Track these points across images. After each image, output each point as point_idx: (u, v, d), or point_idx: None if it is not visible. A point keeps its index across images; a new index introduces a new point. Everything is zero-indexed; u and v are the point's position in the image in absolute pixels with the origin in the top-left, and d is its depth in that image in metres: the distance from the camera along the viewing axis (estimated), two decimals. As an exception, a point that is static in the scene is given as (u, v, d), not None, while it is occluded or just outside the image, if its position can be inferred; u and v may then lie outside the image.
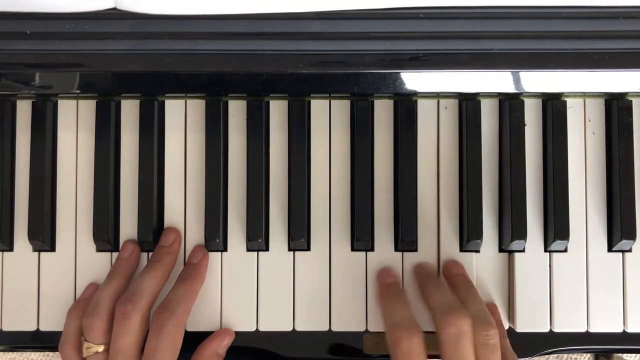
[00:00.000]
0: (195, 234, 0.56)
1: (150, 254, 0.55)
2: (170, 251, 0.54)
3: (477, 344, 0.47)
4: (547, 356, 0.59)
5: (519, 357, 0.52)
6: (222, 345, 0.54)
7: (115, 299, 0.51)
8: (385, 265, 0.55)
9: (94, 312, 0.51)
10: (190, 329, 0.55)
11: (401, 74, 0.51)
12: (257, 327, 0.55)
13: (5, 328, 0.56)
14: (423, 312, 0.52)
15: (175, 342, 0.50)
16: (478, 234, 0.54)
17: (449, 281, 0.54)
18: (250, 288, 0.55)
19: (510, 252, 0.56)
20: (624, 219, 0.54)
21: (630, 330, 0.55)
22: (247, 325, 0.55)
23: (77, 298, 0.55)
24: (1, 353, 0.86)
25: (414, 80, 0.52)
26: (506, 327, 0.55)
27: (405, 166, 0.55)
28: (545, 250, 0.55)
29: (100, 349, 0.50)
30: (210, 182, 0.55)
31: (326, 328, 0.55)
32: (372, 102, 0.56)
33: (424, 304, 0.52)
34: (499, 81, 0.52)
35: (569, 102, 0.56)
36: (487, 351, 0.47)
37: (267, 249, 0.56)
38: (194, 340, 0.54)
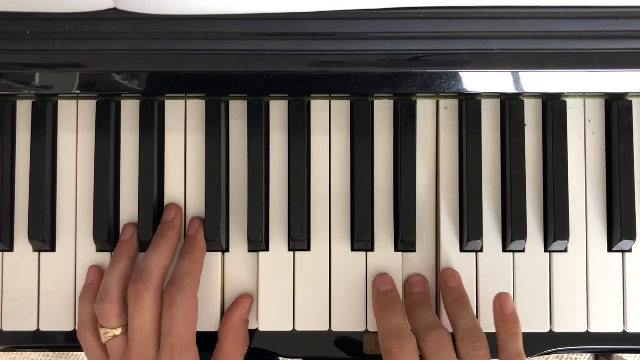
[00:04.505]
0: (195, 234, 0.56)
1: (151, 254, 0.55)
2: (173, 226, 0.54)
3: (467, 354, 0.48)
4: (547, 356, 0.59)
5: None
6: (245, 310, 0.54)
7: (122, 280, 0.52)
8: (383, 272, 0.55)
9: (104, 297, 0.51)
10: (190, 329, 0.55)
11: (402, 74, 0.51)
12: (257, 327, 0.55)
13: (5, 328, 0.56)
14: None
15: (190, 314, 0.51)
16: (478, 234, 0.54)
17: (443, 291, 0.54)
18: (250, 288, 0.55)
19: (511, 252, 0.56)
20: (624, 219, 0.54)
21: (630, 330, 0.55)
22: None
23: (83, 285, 0.55)
24: (1, 353, 0.86)
25: (414, 80, 0.52)
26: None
27: (405, 166, 0.55)
28: (545, 250, 0.55)
29: (118, 332, 0.51)
30: (210, 182, 0.55)
31: (326, 328, 0.55)
32: (372, 102, 0.56)
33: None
34: (499, 81, 0.52)
35: (569, 102, 0.56)
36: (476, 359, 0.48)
37: (267, 249, 0.56)
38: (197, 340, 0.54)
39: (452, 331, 0.50)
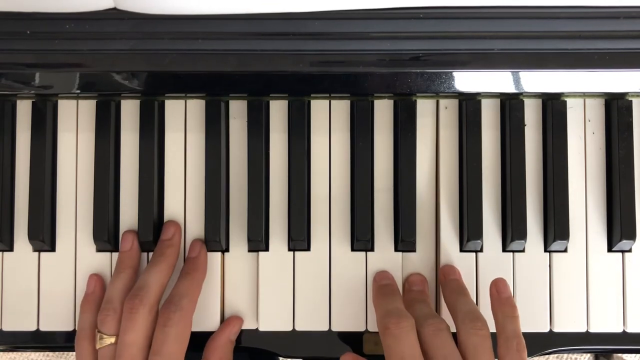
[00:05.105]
0: (195, 235, 0.56)
1: (151, 254, 0.55)
2: (172, 244, 0.55)
3: (467, 334, 0.48)
4: (547, 356, 0.59)
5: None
6: (233, 332, 0.55)
7: (126, 290, 0.52)
8: (382, 269, 0.55)
9: (108, 306, 0.51)
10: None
11: (402, 74, 0.51)
12: (257, 327, 0.55)
13: (5, 328, 0.56)
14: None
15: (182, 334, 0.51)
16: (478, 234, 0.54)
17: (443, 284, 0.54)
18: (250, 288, 0.55)
19: (510, 252, 0.56)
20: (624, 219, 0.54)
21: (630, 330, 0.55)
22: (247, 325, 0.55)
23: (84, 293, 0.55)
24: (1, 353, 0.86)
25: (414, 80, 0.52)
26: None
27: (405, 166, 0.55)
28: (545, 250, 0.55)
29: (114, 339, 0.51)
30: (210, 182, 0.55)
31: (326, 328, 0.55)
32: (372, 102, 0.56)
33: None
34: (499, 81, 0.52)
35: (569, 102, 0.56)
36: (477, 338, 0.48)
37: (267, 249, 0.56)
38: (195, 340, 0.54)
39: (453, 331, 0.50)
